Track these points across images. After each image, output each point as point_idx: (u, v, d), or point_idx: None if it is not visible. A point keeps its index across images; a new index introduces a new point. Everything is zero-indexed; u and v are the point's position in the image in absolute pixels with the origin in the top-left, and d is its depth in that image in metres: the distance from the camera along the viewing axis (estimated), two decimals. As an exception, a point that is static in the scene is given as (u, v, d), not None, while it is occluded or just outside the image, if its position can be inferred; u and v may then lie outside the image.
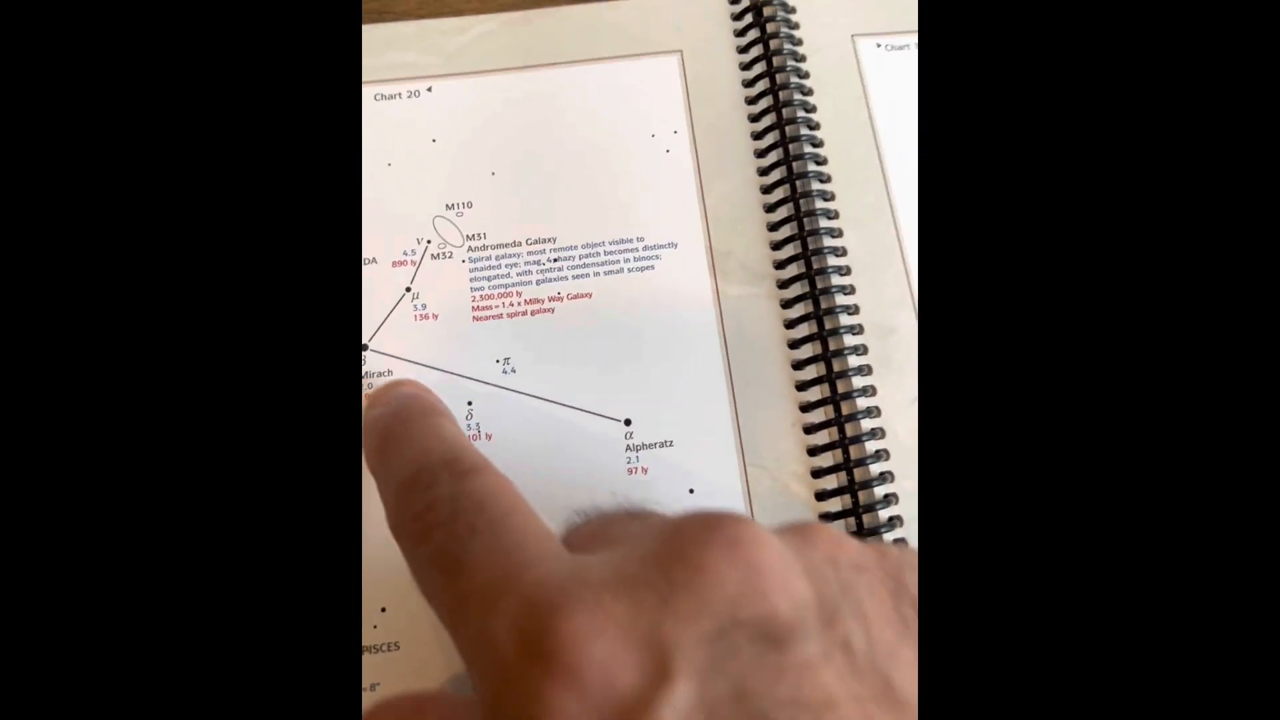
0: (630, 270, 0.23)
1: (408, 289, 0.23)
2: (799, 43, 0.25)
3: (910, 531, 0.21)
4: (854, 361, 0.22)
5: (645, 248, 0.23)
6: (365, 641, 0.20)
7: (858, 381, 0.22)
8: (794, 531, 0.14)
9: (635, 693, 0.12)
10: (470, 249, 0.23)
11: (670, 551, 0.13)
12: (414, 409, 0.18)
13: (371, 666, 0.20)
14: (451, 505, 0.15)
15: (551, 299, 0.23)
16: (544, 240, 0.23)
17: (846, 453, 0.21)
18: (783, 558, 0.13)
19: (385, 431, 0.17)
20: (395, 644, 0.20)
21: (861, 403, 0.22)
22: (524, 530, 0.14)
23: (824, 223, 0.23)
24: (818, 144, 0.24)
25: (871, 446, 0.21)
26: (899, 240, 0.23)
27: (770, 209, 0.24)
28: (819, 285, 0.22)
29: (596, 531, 0.17)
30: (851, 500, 0.21)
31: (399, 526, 0.16)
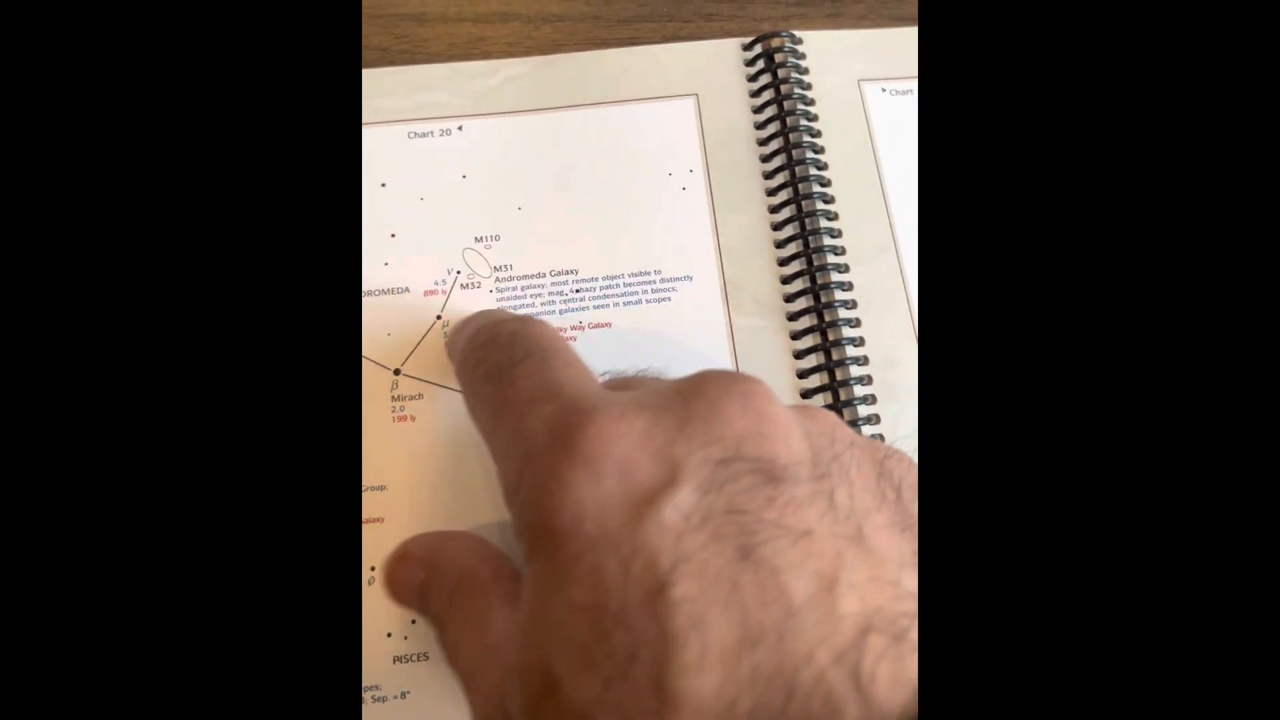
0: (648, 301, 0.24)
1: (438, 316, 0.24)
2: (808, 87, 0.27)
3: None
4: (859, 391, 0.23)
5: (662, 280, 0.24)
6: (396, 652, 0.21)
7: (863, 410, 0.23)
8: (801, 407, 0.16)
9: (644, 490, 0.14)
10: (498, 279, 0.24)
11: (692, 390, 0.15)
12: (489, 309, 0.21)
13: (402, 674, 0.21)
14: (510, 338, 0.18)
15: (574, 327, 0.24)
16: (567, 272, 0.24)
17: (852, 477, 0.22)
18: (788, 418, 0.15)
19: (467, 318, 0.21)
20: (425, 654, 0.21)
21: (867, 430, 0.23)
22: (570, 364, 0.17)
23: (831, 259, 0.25)
24: (826, 184, 0.25)
25: (876, 471, 0.22)
26: (902, 276, 0.25)
27: (780, 245, 0.25)
28: (826, 318, 0.24)
29: (625, 384, 0.19)
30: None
31: (463, 363, 0.19)
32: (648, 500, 0.14)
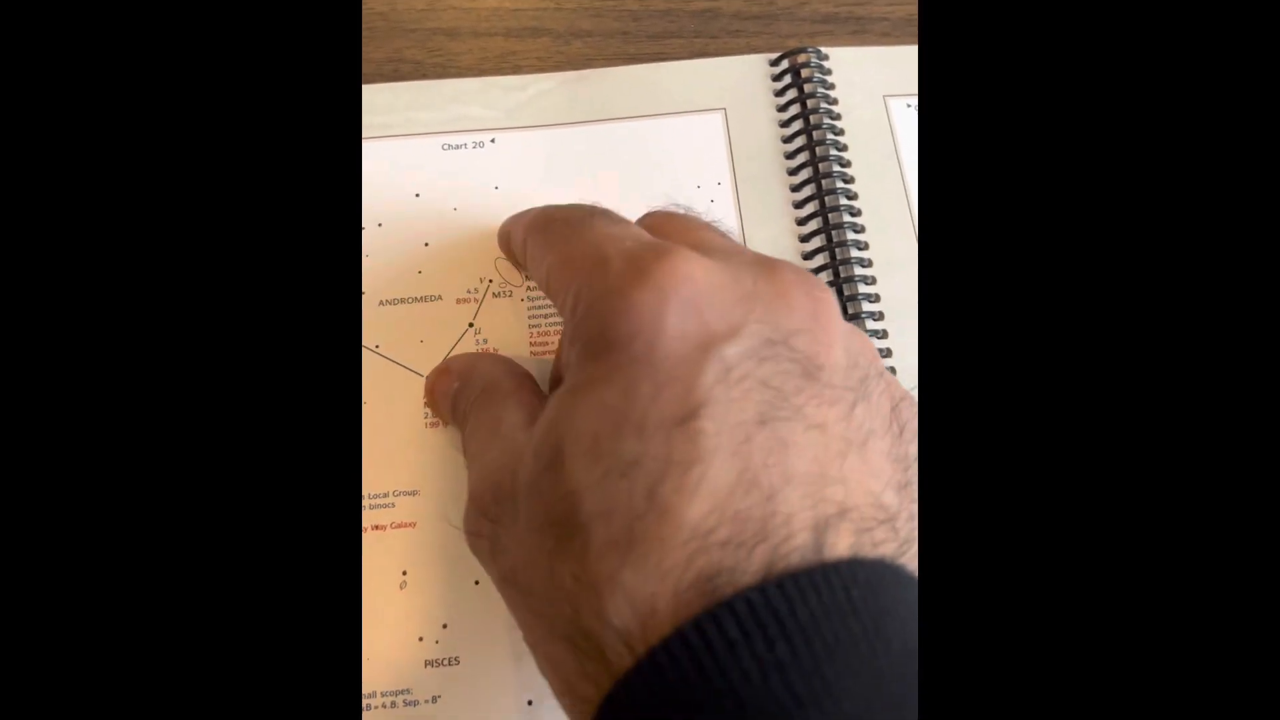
0: (677, 311, 0.25)
1: (471, 324, 0.24)
2: (834, 102, 0.27)
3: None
4: (887, 400, 0.23)
5: (691, 290, 0.25)
6: (427, 656, 0.21)
7: (891, 419, 0.23)
8: (856, 329, 0.18)
9: (699, 333, 0.15)
10: (528, 288, 0.25)
11: (764, 271, 0.16)
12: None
13: (434, 679, 0.21)
14: (589, 207, 0.19)
15: (603, 336, 0.24)
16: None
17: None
18: (839, 329, 0.17)
19: (518, 213, 0.22)
20: (456, 658, 0.21)
21: (894, 439, 0.23)
22: (639, 226, 0.19)
23: (858, 270, 0.25)
24: (851, 196, 0.26)
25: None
26: (928, 287, 0.25)
27: (808, 256, 0.25)
28: (854, 328, 0.24)
29: (681, 228, 0.19)
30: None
31: (533, 222, 0.20)
32: (700, 342, 0.15)
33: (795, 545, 0.14)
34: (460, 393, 0.21)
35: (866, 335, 0.18)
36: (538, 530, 0.15)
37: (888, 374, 0.17)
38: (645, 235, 0.18)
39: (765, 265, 0.17)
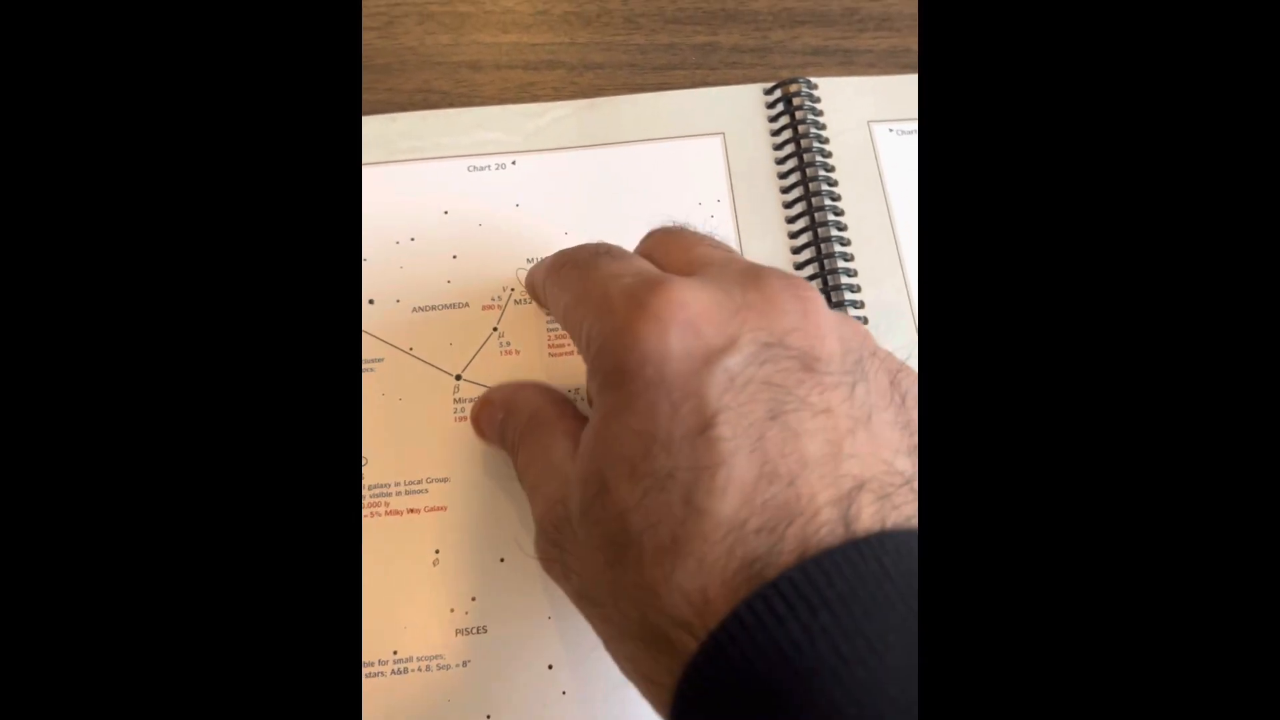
0: (681, 316, 0.27)
1: (495, 329, 0.27)
2: (823, 127, 0.30)
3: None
4: (871, 397, 0.26)
5: (694, 298, 0.27)
6: (458, 625, 0.23)
7: (874, 413, 0.25)
8: (841, 315, 0.19)
9: (702, 350, 0.17)
10: (546, 296, 0.27)
11: (752, 282, 0.18)
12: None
13: (463, 645, 0.23)
14: (594, 246, 0.21)
15: (614, 339, 0.27)
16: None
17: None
18: (829, 321, 0.18)
19: (543, 259, 0.23)
20: (484, 627, 0.23)
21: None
22: (642, 260, 0.20)
23: (845, 280, 0.27)
24: (839, 213, 0.28)
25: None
26: (908, 296, 0.27)
27: (799, 268, 0.28)
28: (841, 332, 0.27)
29: (682, 246, 0.21)
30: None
31: (550, 267, 0.22)
32: (704, 358, 0.17)
33: (823, 520, 0.15)
34: (506, 423, 0.22)
35: (855, 320, 0.20)
36: (597, 549, 0.17)
37: (881, 351, 0.19)
38: (645, 268, 0.19)
39: (753, 275, 0.18)
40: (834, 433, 0.16)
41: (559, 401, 0.22)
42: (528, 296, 0.27)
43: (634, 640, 0.16)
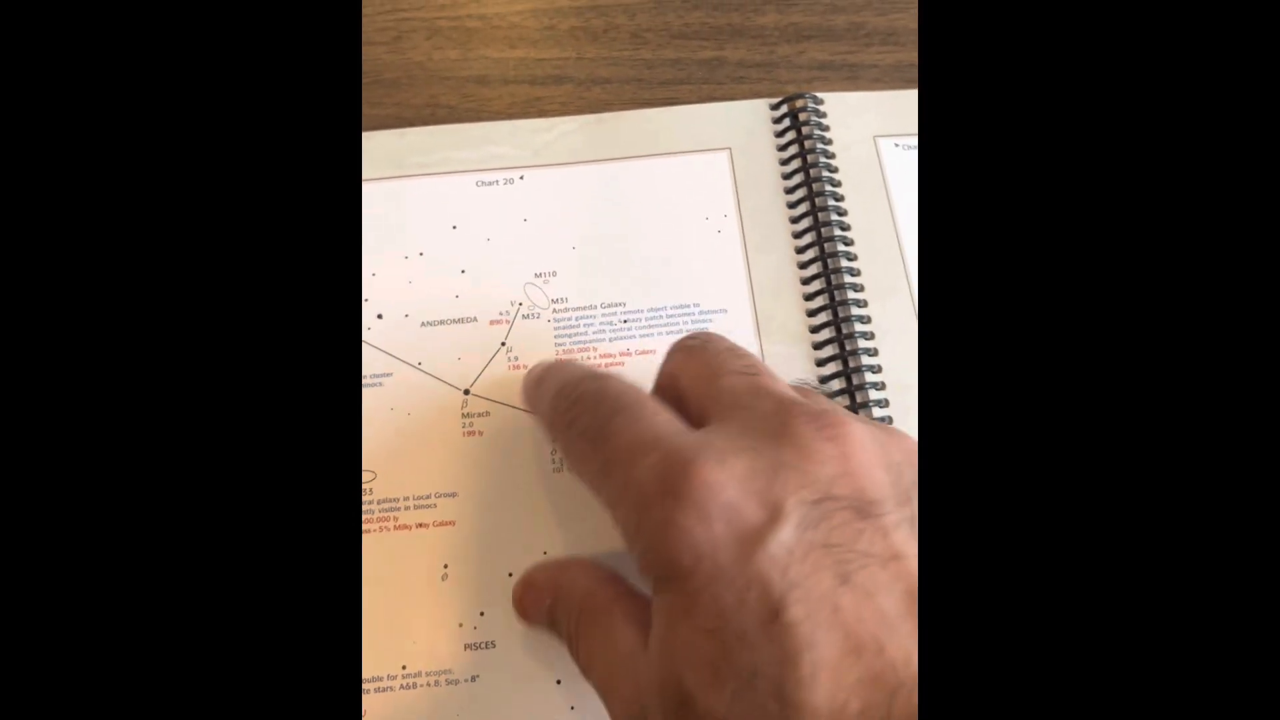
0: (688, 330, 0.27)
1: (503, 343, 0.27)
2: (829, 142, 0.30)
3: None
4: (878, 413, 0.26)
5: (701, 312, 0.27)
6: (467, 640, 0.23)
7: (881, 428, 0.26)
8: (884, 431, 0.18)
9: (751, 529, 0.16)
10: (554, 311, 0.27)
11: (783, 434, 0.17)
12: (559, 362, 0.23)
13: (473, 660, 0.23)
14: (595, 397, 0.19)
15: (622, 354, 0.27)
16: (616, 304, 0.27)
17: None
18: (871, 454, 0.17)
19: (540, 374, 0.23)
20: (492, 642, 0.23)
21: (885, 446, 0.25)
22: (656, 413, 0.19)
23: (851, 294, 0.27)
24: (846, 227, 0.29)
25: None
26: (914, 309, 0.28)
27: (806, 282, 0.28)
28: (848, 347, 0.27)
29: (704, 373, 0.20)
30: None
31: (554, 423, 0.20)
32: (755, 539, 0.16)
33: None
34: (556, 609, 0.21)
35: (894, 430, 0.19)
36: None
37: None
38: (665, 435, 0.18)
39: (782, 426, 0.17)
40: (910, 580, 0.15)
41: (610, 580, 0.20)
42: (535, 312, 0.27)
43: None
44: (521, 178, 0.29)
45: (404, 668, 0.23)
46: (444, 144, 0.30)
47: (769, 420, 0.17)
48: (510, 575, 0.24)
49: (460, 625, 0.23)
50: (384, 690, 0.23)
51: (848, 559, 0.15)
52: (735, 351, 0.20)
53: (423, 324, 0.27)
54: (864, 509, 0.16)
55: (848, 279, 0.28)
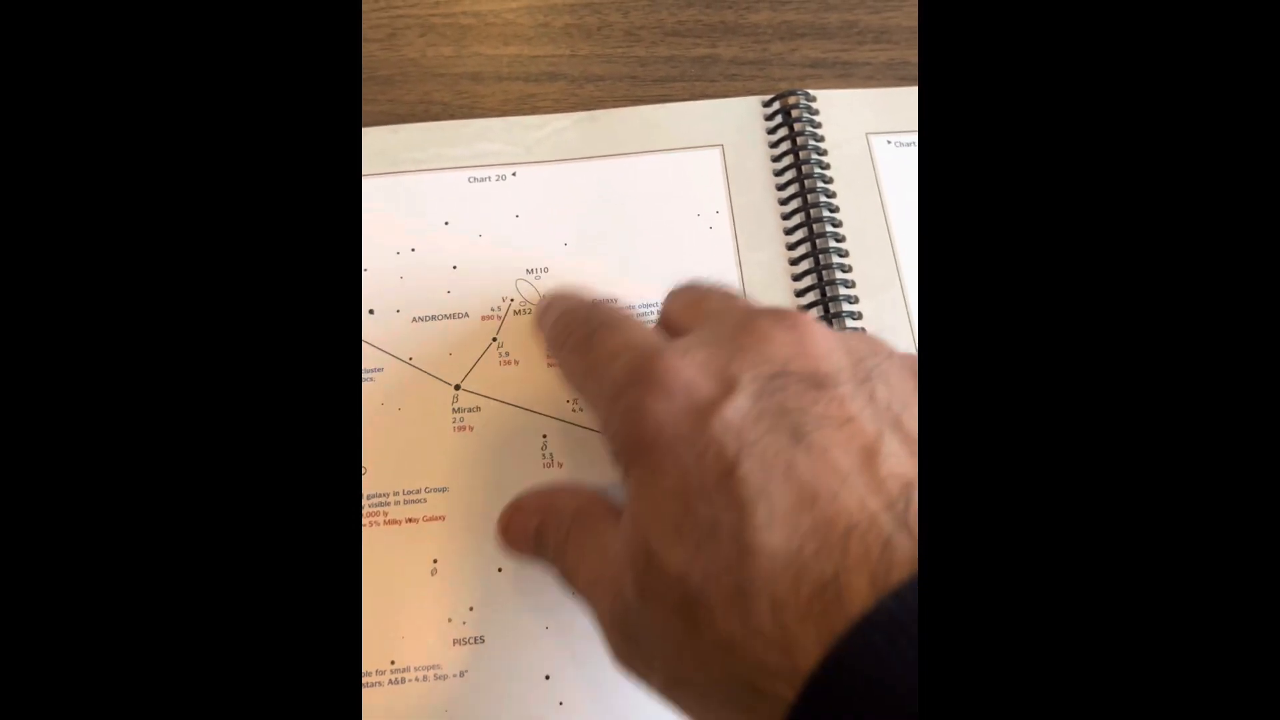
0: (679, 327, 0.27)
1: (494, 339, 0.27)
2: (821, 140, 0.30)
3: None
4: (869, 408, 0.26)
5: (692, 308, 0.27)
6: (455, 635, 0.23)
7: (872, 424, 0.26)
8: (848, 333, 0.19)
9: (708, 400, 0.17)
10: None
11: (742, 326, 0.18)
12: (566, 291, 0.24)
13: (461, 655, 0.23)
14: (585, 318, 0.21)
15: (613, 350, 0.27)
16: (608, 300, 0.28)
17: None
18: (829, 340, 0.18)
19: (548, 302, 0.24)
20: (481, 638, 0.23)
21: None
22: (636, 327, 0.20)
23: (843, 291, 0.27)
24: (837, 225, 0.29)
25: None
26: (905, 306, 0.28)
27: (797, 279, 0.28)
28: (839, 343, 0.27)
29: (691, 301, 0.22)
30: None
31: (551, 340, 0.22)
32: (711, 407, 0.17)
33: (880, 527, 0.14)
34: (544, 526, 0.21)
35: (864, 332, 0.20)
36: (667, 623, 0.16)
37: (899, 353, 0.19)
38: (637, 339, 0.19)
39: (744, 322, 0.18)
40: (864, 438, 0.16)
41: (599, 499, 0.21)
42: (527, 307, 0.27)
43: (725, 706, 0.16)
44: (514, 174, 0.29)
45: (392, 663, 0.23)
46: (437, 141, 0.30)
47: (734, 322, 0.19)
48: (500, 571, 0.24)
49: (449, 620, 0.23)
50: (373, 685, 0.23)
51: (803, 421, 0.16)
52: (723, 287, 0.22)
53: (414, 319, 0.27)
54: (820, 382, 0.17)
55: (839, 275, 0.28)
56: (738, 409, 0.16)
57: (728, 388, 0.17)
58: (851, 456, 0.16)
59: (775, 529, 0.15)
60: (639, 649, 0.17)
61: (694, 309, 0.21)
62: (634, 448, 0.17)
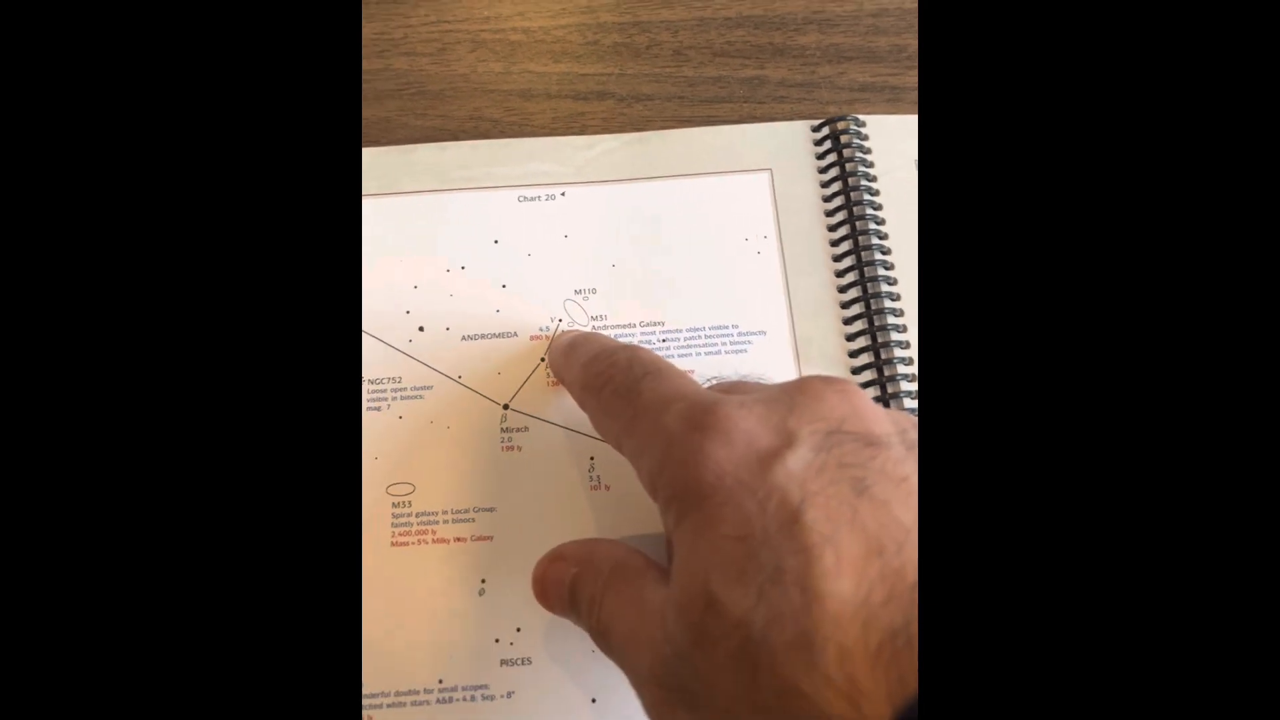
0: (727, 352, 0.27)
1: (542, 359, 0.27)
2: (871, 165, 0.30)
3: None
4: (916, 438, 0.26)
5: (740, 334, 0.27)
6: (503, 656, 0.24)
7: (919, 456, 0.26)
8: (892, 410, 0.20)
9: (769, 449, 0.17)
10: (594, 327, 0.27)
11: (796, 387, 0.19)
12: (590, 333, 0.24)
13: (509, 676, 0.23)
14: (627, 363, 0.21)
15: (661, 373, 0.27)
16: (655, 323, 0.28)
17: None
18: (879, 410, 0.19)
19: (571, 341, 0.24)
20: (528, 659, 0.24)
21: (922, 474, 0.25)
22: (682, 377, 0.21)
23: (891, 319, 0.27)
24: (886, 251, 0.29)
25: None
26: (955, 337, 0.28)
27: (845, 305, 0.28)
28: (886, 372, 0.27)
29: (731, 388, 0.22)
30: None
31: (586, 385, 0.22)
32: (773, 456, 0.17)
33: None
34: (581, 577, 0.20)
35: (903, 412, 0.20)
36: (723, 669, 0.16)
37: None
38: (689, 389, 0.19)
39: (793, 384, 0.19)
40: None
41: (639, 553, 0.20)
42: (575, 329, 0.27)
43: None
44: (563, 194, 0.29)
45: (440, 681, 0.23)
46: (487, 159, 0.30)
47: (785, 388, 0.19)
48: (547, 592, 0.24)
49: (497, 641, 0.24)
50: (420, 704, 0.23)
51: (862, 476, 0.17)
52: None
53: (463, 338, 0.27)
54: (874, 442, 0.17)
55: (888, 304, 0.28)
56: (799, 458, 0.17)
57: (787, 440, 0.17)
58: (912, 514, 0.16)
59: (844, 576, 0.15)
60: (686, 698, 0.17)
61: (733, 391, 0.20)
62: (692, 493, 0.17)
